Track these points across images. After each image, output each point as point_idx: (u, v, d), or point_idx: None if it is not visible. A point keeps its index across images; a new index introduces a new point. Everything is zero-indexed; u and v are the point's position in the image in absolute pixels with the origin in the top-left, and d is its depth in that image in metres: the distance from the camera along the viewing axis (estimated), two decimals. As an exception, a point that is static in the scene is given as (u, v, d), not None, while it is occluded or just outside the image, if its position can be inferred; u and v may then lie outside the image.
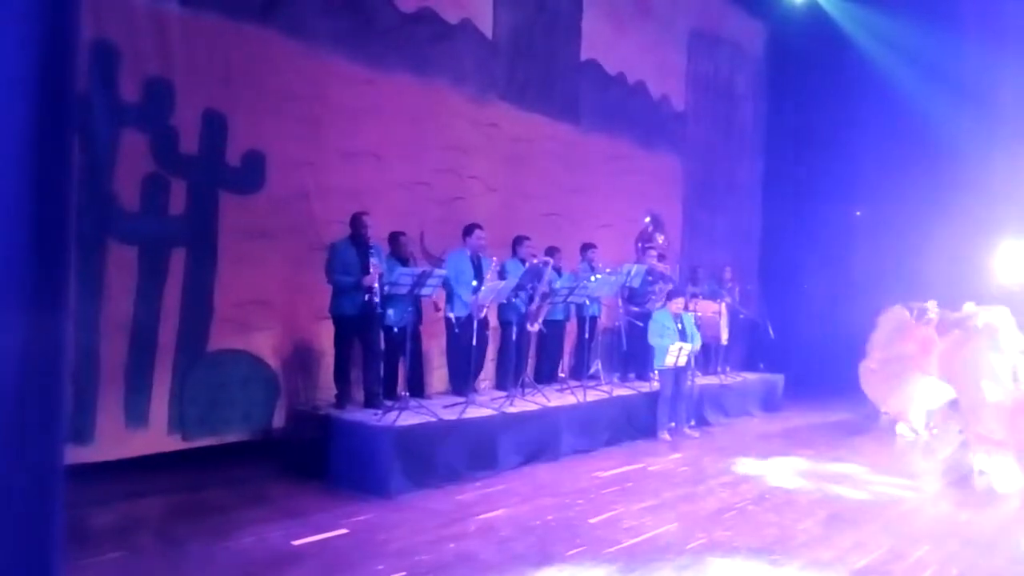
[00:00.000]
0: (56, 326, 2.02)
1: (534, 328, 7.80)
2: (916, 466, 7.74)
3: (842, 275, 12.59)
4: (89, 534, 4.58)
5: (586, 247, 8.87)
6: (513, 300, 7.49)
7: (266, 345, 6.76)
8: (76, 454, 5.31)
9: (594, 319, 8.45)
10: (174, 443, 6.14)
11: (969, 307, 8.44)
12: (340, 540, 4.73)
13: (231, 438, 6.48)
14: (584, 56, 10.11)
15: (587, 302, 8.07)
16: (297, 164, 6.91)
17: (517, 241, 8.05)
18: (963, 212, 10.89)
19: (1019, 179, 10.63)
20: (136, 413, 5.92)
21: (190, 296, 6.23)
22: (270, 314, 6.76)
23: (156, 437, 6.03)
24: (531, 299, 7.71)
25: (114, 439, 5.74)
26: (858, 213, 13.07)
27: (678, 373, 8.24)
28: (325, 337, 6.82)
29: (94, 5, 5.53)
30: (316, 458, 6.06)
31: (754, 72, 13.66)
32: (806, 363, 11.07)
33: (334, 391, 6.67)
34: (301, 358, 7.03)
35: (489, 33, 8.82)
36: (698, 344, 8.51)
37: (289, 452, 6.40)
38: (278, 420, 6.80)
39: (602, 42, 10.30)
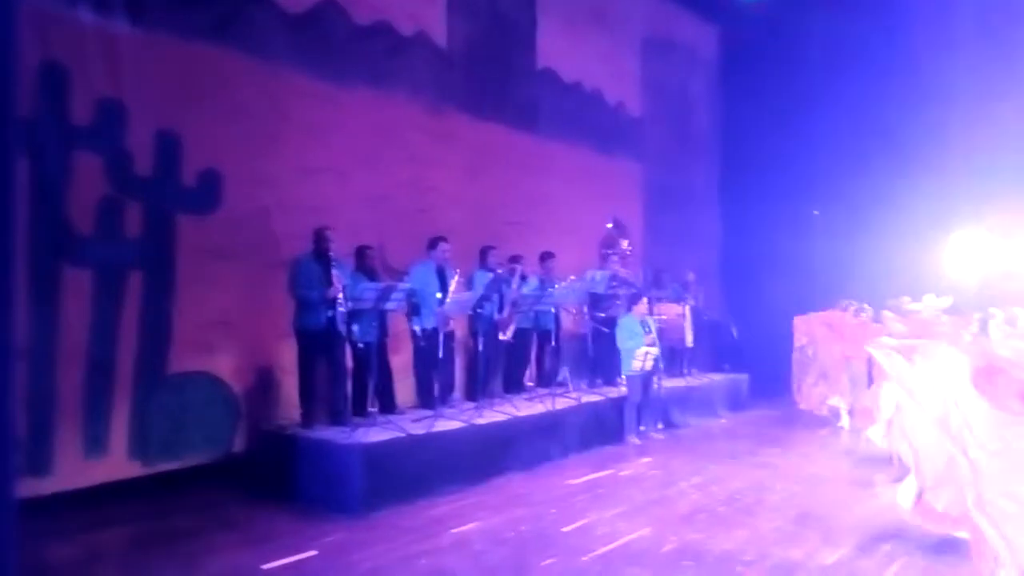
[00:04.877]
0: (2, 353, 1.94)
1: (506, 336, 7.80)
2: (881, 461, 7.84)
3: (802, 273, 12.76)
4: (51, 568, 4.46)
5: (544, 256, 8.83)
6: (479, 311, 7.47)
7: (228, 366, 6.67)
8: (34, 486, 5.21)
9: (548, 332, 8.42)
10: (135, 470, 6.01)
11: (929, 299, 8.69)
12: (311, 562, 4.67)
13: (194, 462, 6.36)
14: (540, 65, 10.16)
15: (552, 310, 8.09)
16: (255, 181, 6.83)
17: (484, 251, 8.04)
18: (919, 208, 11.12)
19: (972, 173, 10.87)
20: (95, 441, 5.79)
21: (148, 319, 6.12)
22: (231, 334, 6.66)
23: (116, 464, 5.91)
24: (501, 308, 7.71)
25: (73, 469, 5.61)
26: (816, 212, 13.26)
27: (645, 377, 8.29)
28: (288, 356, 6.73)
29: (40, 26, 5.43)
30: (283, 479, 5.97)
31: (708, 75, 13.85)
32: (770, 362, 11.18)
33: (299, 410, 6.58)
34: (264, 378, 6.94)
35: (444, 44, 8.82)
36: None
37: (255, 474, 6.30)
38: (242, 442, 6.70)
39: (557, 51, 10.36)
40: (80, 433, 5.71)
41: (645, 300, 8.64)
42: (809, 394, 9.91)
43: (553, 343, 8.34)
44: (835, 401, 9.50)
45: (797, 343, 10.12)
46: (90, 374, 5.76)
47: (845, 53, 12.04)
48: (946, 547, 4.95)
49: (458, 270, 7.32)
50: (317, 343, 6.45)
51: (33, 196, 5.40)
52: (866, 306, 9.65)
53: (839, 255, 12.16)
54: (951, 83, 11.15)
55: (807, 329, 9.96)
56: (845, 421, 9.39)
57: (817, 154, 12.59)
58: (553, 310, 8.24)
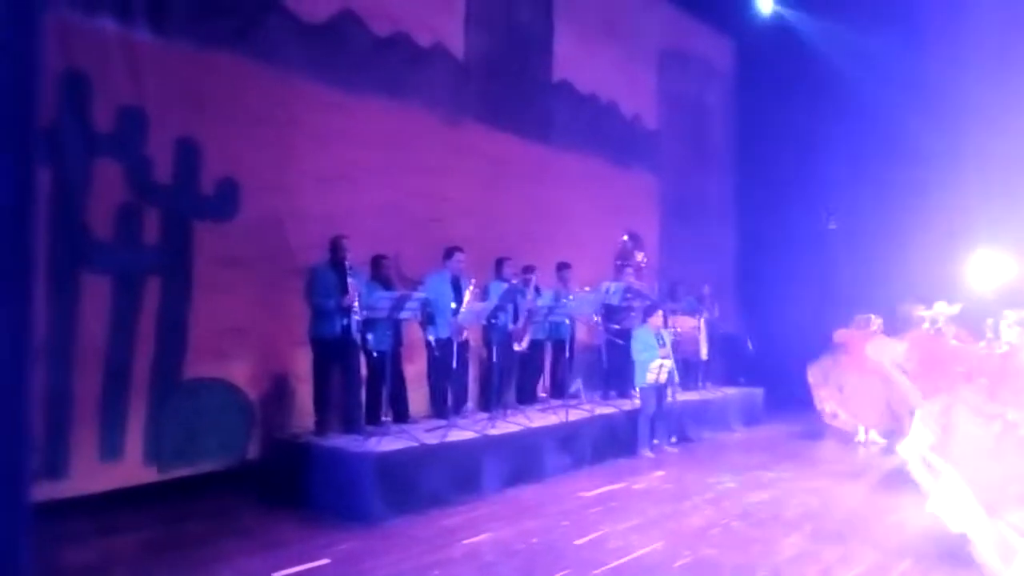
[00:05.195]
0: (19, 357, 1.96)
1: (521, 347, 7.79)
2: (899, 478, 7.76)
3: (819, 287, 12.69)
4: (65, 571, 4.47)
5: (561, 266, 8.85)
6: (493, 321, 7.46)
7: (243, 373, 6.69)
8: (50, 489, 5.22)
9: (562, 342, 8.42)
10: (150, 475, 6.04)
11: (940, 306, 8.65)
12: (323, 570, 4.66)
13: (208, 468, 6.39)
14: (556, 77, 10.19)
15: (567, 321, 8.08)
16: (272, 190, 6.88)
17: (499, 262, 8.05)
18: (936, 221, 11.04)
19: (989, 186, 10.80)
20: (111, 446, 5.83)
21: (165, 325, 6.16)
22: (247, 341, 6.70)
23: (132, 469, 5.94)
24: (516, 318, 7.70)
25: (89, 473, 5.64)
26: (832, 225, 13.19)
27: (659, 390, 8.25)
28: (302, 363, 6.76)
29: (63, 35, 5.50)
30: (296, 486, 5.98)
31: (724, 88, 13.84)
32: (786, 376, 11.10)
33: (313, 418, 6.60)
34: (279, 385, 6.96)
35: (461, 55, 8.86)
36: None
37: (269, 481, 6.31)
38: (256, 449, 6.72)
39: (573, 62, 10.38)
40: (96, 438, 5.74)
41: (660, 312, 8.61)
42: (829, 408, 9.82)
43: (567, 354, 8.32)
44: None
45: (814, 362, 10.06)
46: (107, 379, 5.80)
47: (861, 66, 11.99)
48: (967, 563, 4.88)
49: (473, 280, 7.32)
50: (332, 351, 6.47)
51: (54, 202, 5.47)
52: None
53: (855, 269, 12.10)
54: (967, 96, 11.06)
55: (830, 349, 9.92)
56: (862, 436, 9.32)
57: (832, 167, 12.54)
58: (568, 321, 8.23)
